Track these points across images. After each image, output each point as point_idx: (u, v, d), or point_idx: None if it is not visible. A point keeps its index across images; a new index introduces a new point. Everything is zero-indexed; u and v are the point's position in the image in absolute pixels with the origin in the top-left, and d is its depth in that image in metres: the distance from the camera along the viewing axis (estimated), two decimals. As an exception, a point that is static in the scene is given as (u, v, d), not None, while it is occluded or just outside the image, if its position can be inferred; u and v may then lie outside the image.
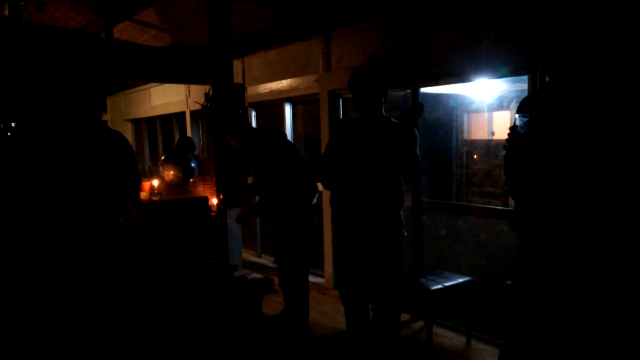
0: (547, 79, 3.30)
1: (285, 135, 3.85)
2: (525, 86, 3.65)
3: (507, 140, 2.08)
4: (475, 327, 3.78)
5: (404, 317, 4.09)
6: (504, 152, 2.14)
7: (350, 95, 4.79)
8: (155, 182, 4.20)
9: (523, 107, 2.06)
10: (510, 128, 2.04)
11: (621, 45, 2.44)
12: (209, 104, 4.17)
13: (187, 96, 6.93)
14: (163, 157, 4.64)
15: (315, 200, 3.90)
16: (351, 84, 2.87)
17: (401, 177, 2.88)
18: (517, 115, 2.02)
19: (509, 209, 4.70)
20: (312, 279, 4.79)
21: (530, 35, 3.20)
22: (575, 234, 1.69)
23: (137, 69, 3.83)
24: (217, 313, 2.98)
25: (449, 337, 3.82)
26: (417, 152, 2.84)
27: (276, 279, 3.90)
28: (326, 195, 4.91)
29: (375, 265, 2.88)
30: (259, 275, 3.56)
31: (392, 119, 2.89)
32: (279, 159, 3.63)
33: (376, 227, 2.84)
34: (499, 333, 3.68)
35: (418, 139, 2.89)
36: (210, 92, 4.38)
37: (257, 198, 5.41)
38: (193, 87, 6.68)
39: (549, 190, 1.84)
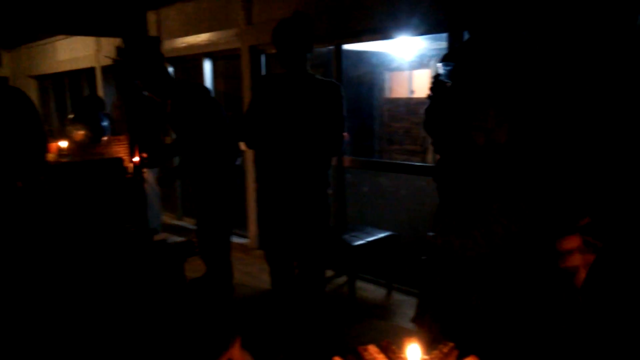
0: (466, 37, 3.38)
1: (209, 91, 3.69)
2: (444, 44, 3.71)
3: (430, 88, 2.09)
4: (396, 279, 3.93)
5: (328, 273, 4.17)
6: (427, 104, 2.15)
7: (274, 51, 4.68)
8: (64, 143, 3.91)
9: (446, 57, 2.07)
10: (434, 77, 2.04)
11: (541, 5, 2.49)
12: (120, 58, 3.89)
13: (96, 50, 6.46)
14: (71, 116, 4.32)
15: (239, 162, 3.80)
16: (275, 37, 2.76)
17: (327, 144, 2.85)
18: (440, 64, 2.02)
19: (429, 165, 4.84)
20: (235, 239, 4.75)
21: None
22: (492, 187, 1.74)
23: (37, 19, 3.48)
24: (135, 278, 2.86)
25: (370, 290, 3.94)
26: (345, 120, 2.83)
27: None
28: (249, 155, 4.82)
29: (301, 223, 2.87)
30: (181, 238, 3.45)
31: (317, 76, 2.83)
32: (203, 117, 3.47)
33: (303, 186, 2.82)
34: (417, 284, 3.85)
35: (344, 101, 2.87)
36: (122, 45, 4.09)
37: (176, 159, 5.23)
38: (104, 40, 6.23)
39: (469, 143, 1.87)
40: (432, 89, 2.15)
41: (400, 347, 1.10)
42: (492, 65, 1.86)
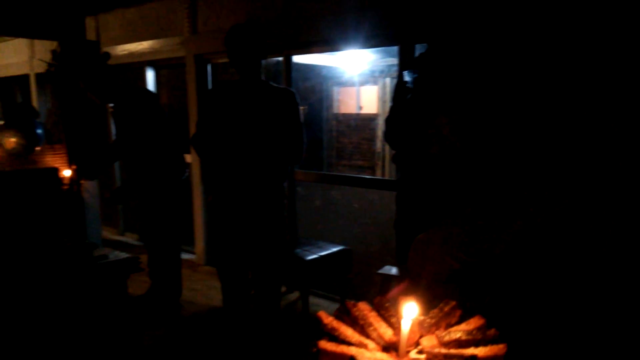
0: (417, 51, 3.39)
1: (156, 97, 3.49)
2: (395, 61, 3.71)
3: (393, 97, 2.04)
4: (349, 294, 3.84)
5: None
6: (387, 115, 2.10)
7: (220, 61, 4.56)
8: (-7, 151, 3.59)
9: (412, 65, 2.03)
10: (397, 84, 1.99)
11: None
12: (57, 63, 3.65)
13: (30, 57, 6.08)
14: (2, 123, 3.99)
15: (186, 174, 3.62)
16: (229, 42, 2.64)
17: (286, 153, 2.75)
18: (405, 72, 1.98)
19: (382, 178, 4.82)
20: (182, 255, 4.53)
21: (401, 4, 3.22)
22: (458, 192, 1.69)
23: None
24: (72, 297, 2.62)
25: (323, 306, 3.83)
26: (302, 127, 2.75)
27: (142, 257, 3.58)
28: (196, 167, 4.63)
29: (257, 237, 2.74)
30: (123, 254, 3.22)
31: (272, 83, 2.73)
32: (147, 122, 3.27)
33: (260, 198, 2.69)
34: (371, 298, 3.78)
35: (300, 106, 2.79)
36: (59, 50, 3.84)
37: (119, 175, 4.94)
38: (38, 46, 5.88)
39: (425, 151, 1.83)
40: (395, 97, 2.10)
41: (394, 305, 1.00)
42: (449, 74, 1.84)
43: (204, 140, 2.73)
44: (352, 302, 1.00)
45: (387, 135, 2.14)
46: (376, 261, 3.65)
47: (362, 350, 0.91)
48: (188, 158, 4.44)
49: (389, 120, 2.09)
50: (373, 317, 0.97)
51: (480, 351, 0.87)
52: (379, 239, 3.96)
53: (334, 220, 4.41)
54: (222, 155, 2.70)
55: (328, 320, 0.95)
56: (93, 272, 2.73)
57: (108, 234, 5.76)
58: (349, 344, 0.93)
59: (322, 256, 3.57)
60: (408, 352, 0.92)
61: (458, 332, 0.93)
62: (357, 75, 6.21)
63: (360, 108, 6.63)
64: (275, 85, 2.73)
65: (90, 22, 5.36)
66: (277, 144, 2.68)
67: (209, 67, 4.68)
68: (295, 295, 3.98)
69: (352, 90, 6.61)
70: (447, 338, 0.93)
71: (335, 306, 3.81)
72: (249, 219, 2.72)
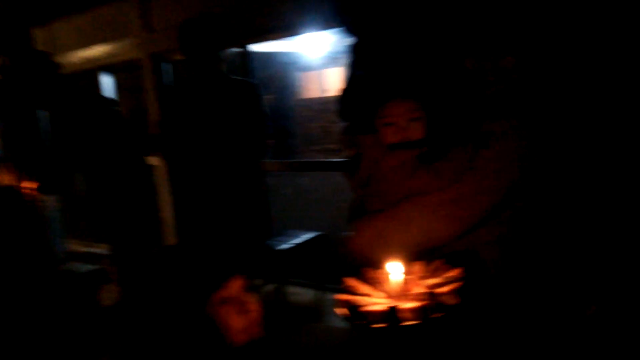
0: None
1: (113, 102, 3.40)
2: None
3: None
4: (327, 279, 3.85)
5: (257, 282, 4.01)
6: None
7: (179, 58, 4.48)
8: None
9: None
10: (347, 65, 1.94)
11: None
12: (2, 77, 3.54)
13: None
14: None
15: (151, 176, 3.57)
16: (181, 38, 2.57)
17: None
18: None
19: (345, 160, 4.80)
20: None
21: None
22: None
23: None
24: (36, 314, 2.58)
25: (301, 294, 3.83)
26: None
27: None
28: (161, 170, 4.56)
29: (229, 234, 2.73)
30: (91, 267, 3.18)
31: (232, 76, 2.68)
32: (105, 131, 3.19)
33: (229, 194, 2.67)
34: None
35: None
36: (7, 63, 3.73)
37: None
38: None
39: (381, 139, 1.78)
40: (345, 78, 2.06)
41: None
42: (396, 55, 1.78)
43: (167, 141, 2.69)
44: (370, 269, 1.21)
45: (342, 114, 2.10)
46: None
47: (365, 297, 1.12)
48: (152, 160, 4.37)
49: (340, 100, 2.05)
50: (384, 279, 1.18)
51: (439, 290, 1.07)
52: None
53: (308, 207, 4.41)
54: (187, 155, 2.66)
55: (349, 282, 1.18)
56: (57, 287, 2.69)
57: (76, 246, 5.62)
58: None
59: (296, 244, 3.57)
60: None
61: (437, 278, 1.13)
62: (319, 59, 6.16)
63: (325, 91, 6.58)
64: (236, 77, 2.69)
65: (41, 33, 5.22)
66: (241, 139, 2.65)
67: (167, 66, 4.59)
68: (272, 286, 3.97)
69: (315, 74, 6.55)
70: (429, 282, 1.14)
71: (313, 293, 3.82)
72: (220, 215, 2.69)
